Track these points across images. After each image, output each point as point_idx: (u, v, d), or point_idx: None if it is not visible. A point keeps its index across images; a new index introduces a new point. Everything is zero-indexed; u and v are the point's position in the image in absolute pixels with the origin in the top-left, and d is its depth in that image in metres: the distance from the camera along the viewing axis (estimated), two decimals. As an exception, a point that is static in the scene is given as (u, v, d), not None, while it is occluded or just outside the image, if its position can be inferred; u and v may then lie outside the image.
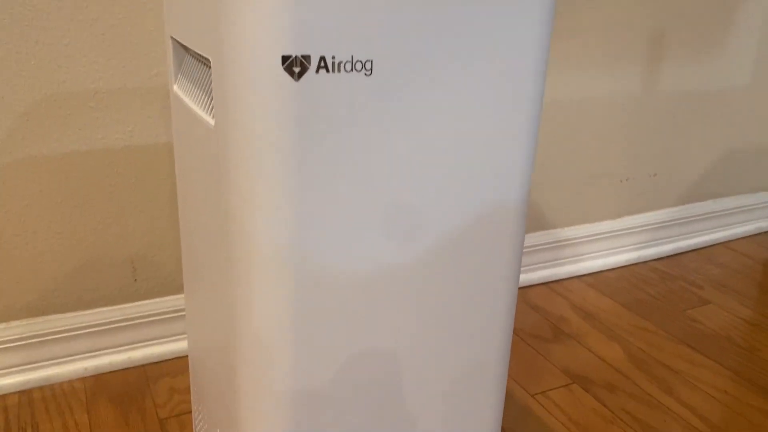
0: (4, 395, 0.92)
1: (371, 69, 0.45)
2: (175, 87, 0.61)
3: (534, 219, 1.29)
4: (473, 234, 0.55)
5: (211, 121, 0.50)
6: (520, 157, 0.55)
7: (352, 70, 0.45)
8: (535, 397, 0.97)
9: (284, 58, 0.43)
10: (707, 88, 1.38)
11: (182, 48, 0.59)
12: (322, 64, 0.44)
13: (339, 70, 0.44)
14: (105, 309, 0.97)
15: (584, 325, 1.17)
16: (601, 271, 1.37)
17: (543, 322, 1.17)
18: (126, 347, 0.99)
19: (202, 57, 0.53)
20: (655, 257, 1.43)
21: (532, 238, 1.29)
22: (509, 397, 0.96)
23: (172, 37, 0.60)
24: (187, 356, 1.02)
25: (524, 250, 1.29)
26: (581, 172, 1.30)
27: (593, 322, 1.18)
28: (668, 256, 1.45)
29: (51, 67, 0.84)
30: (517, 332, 1.14)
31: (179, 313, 1.01)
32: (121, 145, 0.91)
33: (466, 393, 0.62)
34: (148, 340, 1.00)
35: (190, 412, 0.91)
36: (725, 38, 1.36)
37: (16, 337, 0.92)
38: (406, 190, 0.50)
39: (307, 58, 0.43)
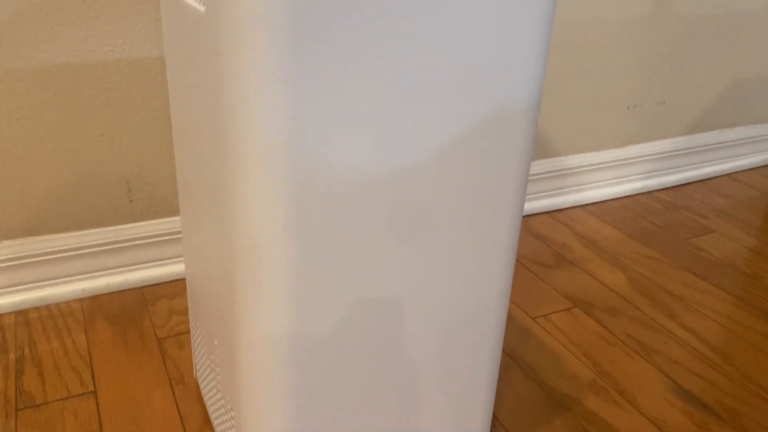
0: (1, 315, 0.92)
1: (373, -57, 0.42)
2: (164, -21, 0.57)
3: (538, 146, 1.26)
4: (483, 132, 0.52)
5: (201, 7, 0.47)
6: (532, 54, 0.52)
7: (352, -57, 0.41)
8: (536, 320, 0.96)
9: (278, -73, 0.39)
10: (719, 13, 1.33)
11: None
12: (320, -65, 0.40)
13: (338, -56, 0.41)
14: (100, 230, 0.95)
15: (587, 253, 1.15)
16: (605, 201, 1.35)
17: (545, 249, 1.16)
18: (122, 269, 0.98)
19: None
20: (660, 187, 1.41)
21: (536, 166, 1.27)
22: (510, 320, 0.96)
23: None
24: (184, 279, 1.01)
25: (528, 179, 1.27)
26: (587, 99, 1.27)
27: (596, 249, 1.17)
28: (673, 187, 1.43)
29: (35, -27, 0.80)
30: (518, 258, 1.12)
31: (176, 236, 1.00)
32: (113, 59, 0.87)
33: (468, 310, 0.60)
34: (144, 263, 0.99)
35: (189, 332, 0.90)
36: (742, -42, 1.30)
37: (10, 256, 0.91)
38: (409, 87, 0.47)
39: (303, -73, 0.40)
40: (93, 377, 0.81)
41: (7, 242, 0.91)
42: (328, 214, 0.49)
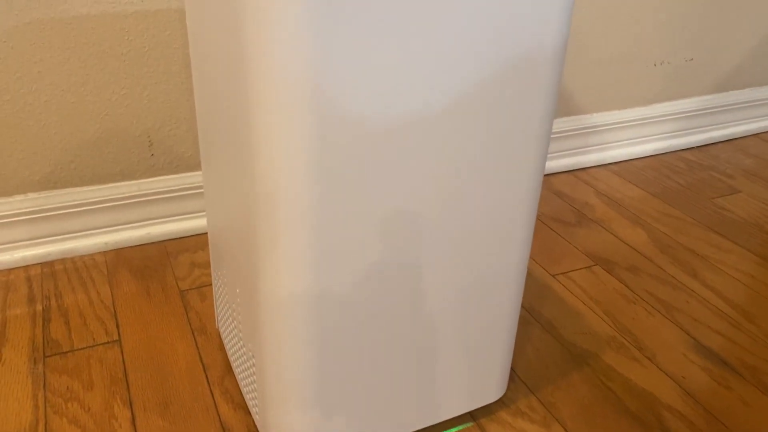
0: (27, 266, 0.93)
1: None
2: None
3: (561, 103, 1.24)
4: (508, 78, 0.51)
5: (221, -52, 0.46)
6: (554, 9, 0.50)
7: None
8: (557, 277, 0.96)
9: None
10: (754, -35, 1.28)
11: None
12: None
13: None
14: (122, 183, 0.96)
15: (609, 211, 1.14)
16: (629, 160, 1.33)
17: (566, 208, 1.15)
18: (145, 223, 0.99)
19: None
20: (686, 147, 1.39)
21: (558, 124, 1.25)
22: (530, 277, 0.95)
23: None
24: (206, 234, 1.02)
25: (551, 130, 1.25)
26: (613, 54, 1.24)
27: (618, 208, 1.15)
28: (699, 146, 1.40)
29: None
30: (539, 217, 1.12)
31: (197, 191, 1.00)
32: (132, 10, 0.87)
33: (488, 264, 0.60)
34: (166, 217, 1.00)
35: (210, 284, 0.91)
36: None
37: (35, 209, 0.92)
38: (433, 27, 0.46)
39: None
40: (117, 327, 0.83)
41: (31, 194, 0.92)
42: (350, 158, 0.49)
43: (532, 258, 1.00)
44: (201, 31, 0.58)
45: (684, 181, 1.26)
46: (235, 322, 0.68)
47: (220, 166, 0.61)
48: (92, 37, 0.86)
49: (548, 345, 0.83)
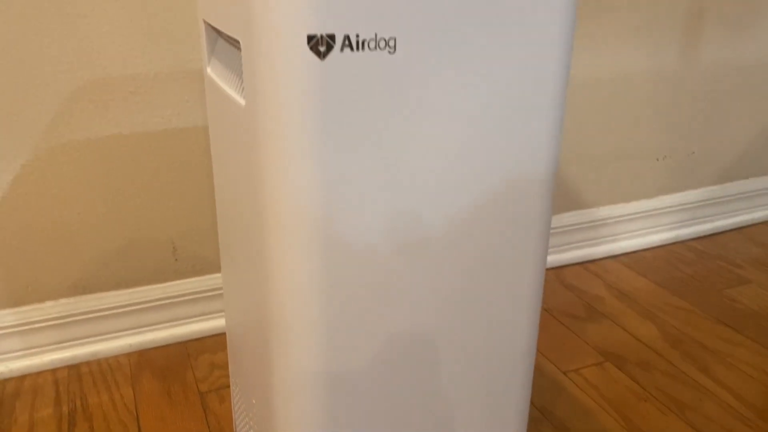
0: (55, 369, 0.97)
1: (395, 46, 0.46)
2: (209, 69, 0.63)
3: (569, 198, 1.28)
4: (497, 206, 0.56)
5: (242, 101, 0.52)
6: (545, 135, 0.55)
7: (376, 48, 0.46)
8: (568, 374, 0.97)
9: (309, 38, 0.44)
10: (747, 63, 1.34)
11: (214, 31, 0.61)
12: (347, 42, 0.45)
13: (363, 48, 0.45)
14: (147, 287, 1.01)
15: (619, 305, 1.16)
16: (638, 251, 1.36)
17: (577, 302, 1.17)
18: (168, 324, 1.03)
19: (233, 39, 0.55)
20: (694, 236, 1.41)
21: (568, 218, 1.29)
22: (541, 375, 0.97)
23: (204, 21, 0.61)
24: (225, 333, 1.06)
25: (559, 230, 1.29)
26: (617, 150, 1.29)
27: (628, 301, 1.17)
28: (707, 236, 1.43)
29: (92, 55, 0.87)
30: (550, 311, 1.14)
31: (218, 291, 1.05)
32: (161, 129, 0.94)
33: (494, 368, 0.63)
34: (188, 318, 1.04)
35: (229, 386, 0.94)
36: (765, 11, 1.32)
37: (65, 314, 0.97)
38: (430, 164, 0.51)
39: (332, 36, 0.44)
40: (139, 430, 0.85)
41: (62, 300, 0.97)
42: (355, 276, 0.53)
43: (544, 355, 1.02)
44: (222, 153, 0.64)
45: (693, 271, 1.28)
46: (251, 431, 0.70)
47: (236, 272, 0.66)
48: (123, 154, 0.93)
49: (560, 447, 0.83)
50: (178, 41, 0.91)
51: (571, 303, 1.17)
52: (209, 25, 0.60)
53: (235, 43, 0.55)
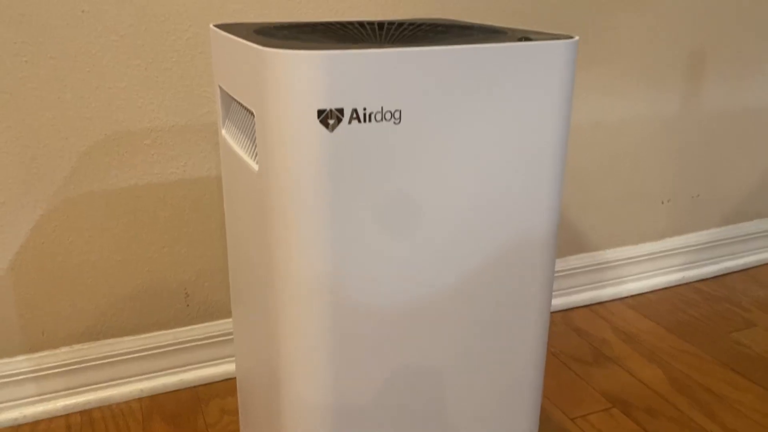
0: (68, 415, 0.99)
1: (400, 117, 0.49)
2: (223, 131, 0.66)
3: (575, 241, 1.30)
4: (500, 265, 0.58)
5: (255, 167, 0.54)
6: (547, 192, 0.57)
7: (382, 119, 0.48)
8: (575, 420, 0.98)
9: (319, 112, 0.47)
10: (749, 107, 1.37)
11: (229, 97, 0.64)
12: (354, 115, 0.47)
13: (370, 120, 0.48)
14: (159, 333, 1.03)
15: (625, 348, 1.17)
16: (644, 293, 1.36)
17: (584, 345, 1.18)
18: (179, 369, 1.04)
19: (247, 108, 0.58)
20: (699, 278, 1.42)
21: (574, 261, 1.30)
22: (549, 421, 0.98)
23: (220, 86, 0.64)
24: (236, 378, 1.07)
25: (566, 273, 1.30)
26: (622, 194, 1.31)
27: (634, 344, 1.18)
28: (713, 277, 1.43)
29: (110, 109, 0.91)
30: (557, 355, 1.15)
31: (229, 337, 1.06)
32: (175, 179, 0.97)
33: (499, 416, 0.64)
34: (199, 363, 1.05)
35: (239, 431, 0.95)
36: (767, 56, 1.35)
37: (79, 359, 0.98)
38: (435, 227, 0.53)
39: (340, 110, 0.47)
40: (150, 478, 0.87)
41: (76, 346, 0.99)
42: (364, 336, 0.55)
43: (551, 401, 1.02)
44: (235, 205, 0.66)
45: (699, 314, 1.28)
46: (262, 480, 0.71)
47: (248, 321, 0.68)
48: (138, 204, 0.96)
49: (567, 495, 0.84)
50: (192, 95, 0.94)
51: (579, 347, 1.18)
52: (224, 91, 0.63)
53: (249, 110, 0.58)
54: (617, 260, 1.34)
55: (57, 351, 0.98)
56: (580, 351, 1.16)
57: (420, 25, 0.68)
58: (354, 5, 0.99)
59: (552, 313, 1.30)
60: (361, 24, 0.68)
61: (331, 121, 0.47)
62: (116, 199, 0.95)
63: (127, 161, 0.94)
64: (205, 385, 1.06)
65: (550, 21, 1.14)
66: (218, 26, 0.63)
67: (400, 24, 0.68)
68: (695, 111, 1.32)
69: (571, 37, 0.54)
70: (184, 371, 1.05)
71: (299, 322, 0.54)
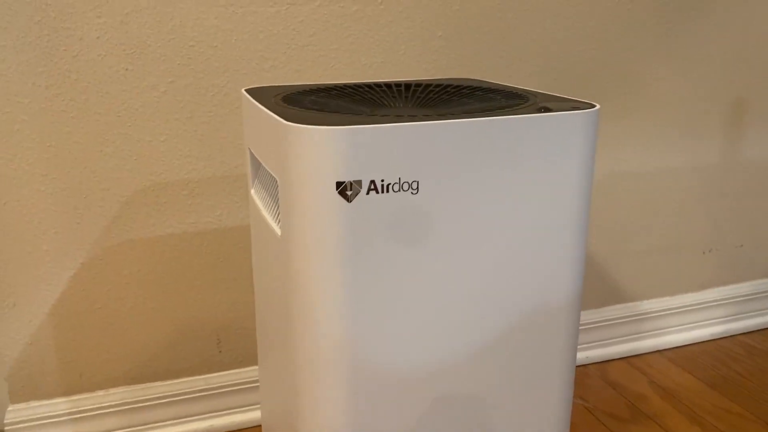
0: (101, 457, 1.01)
1: (417, 188, 0.50)
2: (252, 191, 0.68)
3: (613, 291, 1.28)
4: (522, 330, 0.57)
5: (278, 231, 0.56)
6: (566, 260, 0.57)
7: (399, 190, 0.49)
8: (608, 481, 0.95)
9: (338, 184, 0.48)
10: (795, 157, 1.33)
11: (257, 159, 0.66)
12: (372, 186, 0.48)
13: (388, 191, 0.49)
14: (191, 378, 1.04)
15: (664, 405, 1.13)
16: (685, 346, 1.32)
17: (620, 400, 1.15)
18: (208, 415, 1.05)
19: (271, 174, 0.60)
20: (743, 331, 1.37)
21: (611, 311, 1.28)
22: (581, 481, 0.95)
23: (249, 149, 0.67)
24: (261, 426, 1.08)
25: (603, 324, 1.28)
26: (662, 244, 1.28)
27: (673, 401, 1.14)
28: (758, 330, 1.38)
29: (150, 161, 0.94)
30: (592, 411, 1.12)
31: (257, 384, 1.07)
32: (211, 228, 0.99)
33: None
34: (230, 408, 1.06)
35: (266, 482, 0.95)
36: (812, 105, 1.32)
37: (114, 403, 1.01)
38: (454, 293, 0.54)
39: (358, 182, 0.48)
40: None
41: (112, 390, 1.01)
42: (383, 401, 0.55)
43: (583, 459, 0.99)
44: (261, 261, 0.68)
45: (743, 369, 1.24)
46: None
47: (271, 373, 0.68)
48: (174, 252, 0.98)
49: None
50: (228, 148, 0.97)
51: (615, 402, 1.14)
52: (253, 153, 0.65)
53: (273, 177, 0.59)
54: (656, 310, 1.30)
55: (93, 394, 1.00)
56: (616, 406, 1.13)
57: (446, 87, 0.69)
58: (387, 60, 1.01)
59: (587, 365, 1.27)
60: (388, 85, 0.70)
61: (349, 193, 0.48)
62: (153, 248, 0.97)
63: (164, 211, 0.96)
64: (234, 431, 1.07)
65: (590, 75, 1.14)
66: (249, 90, 0.65)
67: (427, 86, 0.69)
68: (737, 160, 1.29)
69: (593, 106, 0.54)
70: (215, 417, 1.06)
71: (317, 384, 0.54)
